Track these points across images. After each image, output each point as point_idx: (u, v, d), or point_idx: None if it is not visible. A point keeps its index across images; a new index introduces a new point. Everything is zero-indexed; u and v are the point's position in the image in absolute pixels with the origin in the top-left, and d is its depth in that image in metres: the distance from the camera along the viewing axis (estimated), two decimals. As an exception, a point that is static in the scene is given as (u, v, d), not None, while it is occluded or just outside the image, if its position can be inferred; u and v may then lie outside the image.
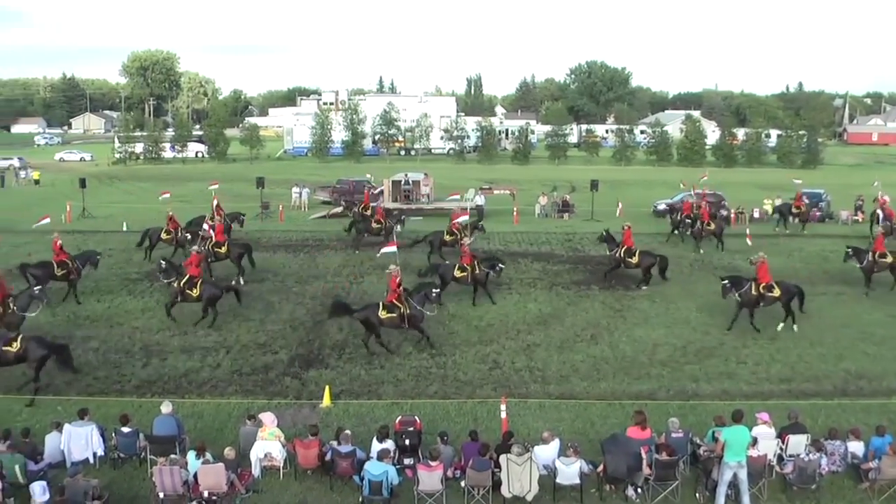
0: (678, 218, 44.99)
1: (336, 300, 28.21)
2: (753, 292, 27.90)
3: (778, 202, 54.23)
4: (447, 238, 38.63)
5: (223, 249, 36.37)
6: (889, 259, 33.20)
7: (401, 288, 26.01)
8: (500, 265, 32.23)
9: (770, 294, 27.83)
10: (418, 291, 26.64)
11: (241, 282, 33.80)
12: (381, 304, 25.88)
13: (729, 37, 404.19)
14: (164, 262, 30.75)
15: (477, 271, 31.29)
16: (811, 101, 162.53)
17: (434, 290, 27.03)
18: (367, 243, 41.37)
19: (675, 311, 29.65)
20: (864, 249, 34.09)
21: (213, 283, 30.09)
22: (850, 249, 34.33)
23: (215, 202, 44.68)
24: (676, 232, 44.24)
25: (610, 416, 20.58)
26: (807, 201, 50.51)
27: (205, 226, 38.51)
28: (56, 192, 66.63)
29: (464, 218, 38.55)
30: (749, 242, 41.63)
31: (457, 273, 31.48)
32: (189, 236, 39.13)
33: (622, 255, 34.38)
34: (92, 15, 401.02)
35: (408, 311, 25.55)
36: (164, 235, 39.76)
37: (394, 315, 25.51)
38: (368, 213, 45.90)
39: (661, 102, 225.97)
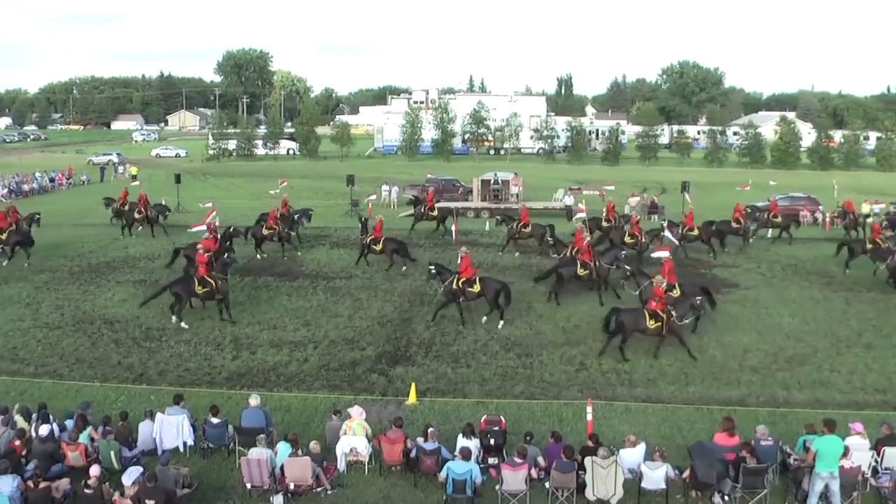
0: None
1: None
2: (454, 286, 28.05)
3: (877, 207, 52.82)
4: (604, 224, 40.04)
5: (4, 237, 37.98)
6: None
7: None
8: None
9: (470, 289, 27.96)
10: None
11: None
12: None
13: (826, 36, 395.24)
14: None
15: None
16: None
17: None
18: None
19: (767, 317, 29.04)
20: (564, 244, 35.86)
21: None
22: (550, 240, 36.89)
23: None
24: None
25: (697, 422, 20.28)
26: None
27: None
28: (152, 186, 68.18)
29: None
30: None
31: None
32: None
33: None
34: (188, 16, 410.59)
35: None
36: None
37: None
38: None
39: (755, 103, 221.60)
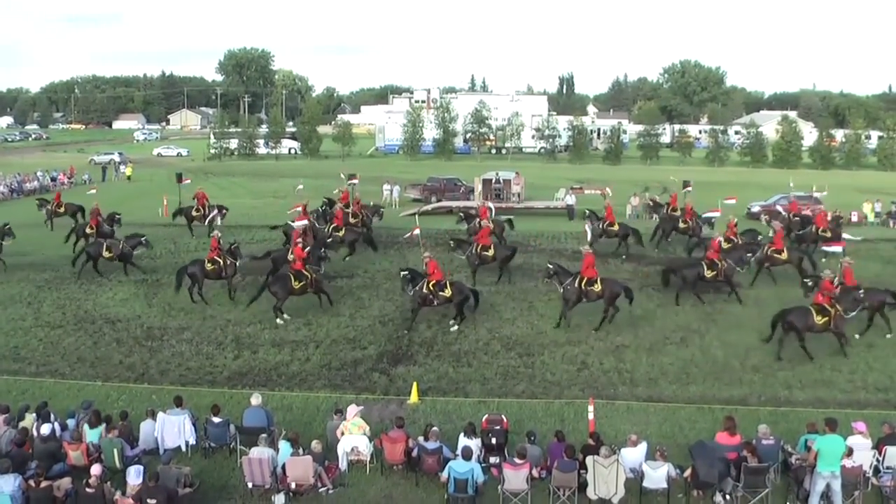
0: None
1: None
2: (424, 290, 27.73)
3: (878, 206, 52.81)
4: (682, 226, 39.18)
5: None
6: (491, 252, 34.52)
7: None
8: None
9: (591, 288, 27.77)
10: None
11: None
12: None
13: (827, 35, 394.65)
14: None
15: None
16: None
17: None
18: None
19: (769, 316, 28.91)
20: (467, 241, 36.10)
21: None
22: (452, 242, 36.44)
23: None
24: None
25: (699, 421, 20.27)
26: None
27: None
28: (154, 186, 68.33)
29: None
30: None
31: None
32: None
33: None
34: (189, 15, 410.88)
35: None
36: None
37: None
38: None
39: (757, 103, 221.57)
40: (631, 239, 40.44)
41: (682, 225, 42.24)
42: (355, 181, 51.51)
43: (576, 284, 27.97)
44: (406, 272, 28.83)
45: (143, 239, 37.10)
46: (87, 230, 40.49)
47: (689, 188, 50.21)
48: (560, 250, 40.23)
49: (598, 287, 27.75)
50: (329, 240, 38.24)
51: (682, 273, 31.76)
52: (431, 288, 27.67)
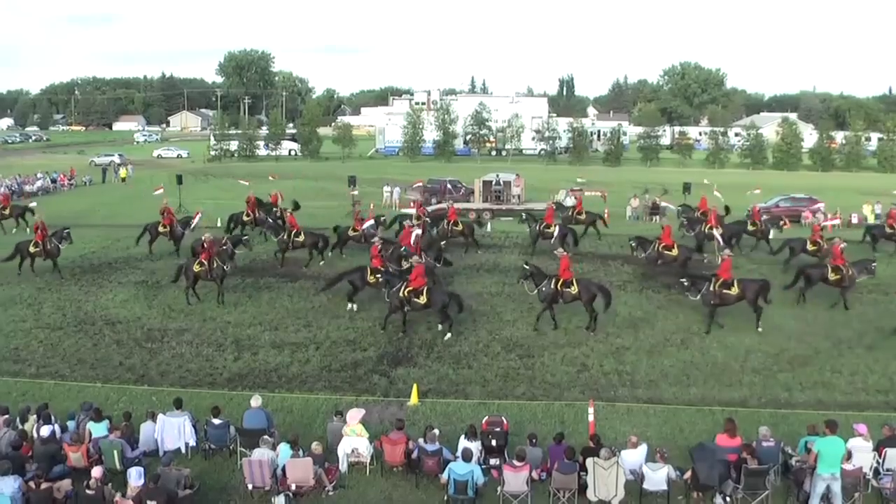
0: None
1: None
2: (400, 294, 27.60)
3: (878, 208, 52.76)
4: (810, 248, 37.89)
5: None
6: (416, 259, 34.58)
7: None
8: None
9: (567, 290, 27.86)
10: None
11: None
12: None
13: (827, 37, 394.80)
14: None
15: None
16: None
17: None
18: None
19: (769, 318, 28.93)
20: (390, 241, 36.92)
21: None
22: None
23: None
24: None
25: (699, 423, 20.27)
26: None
27: None
28: (153, 188, 68.23)
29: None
30: None
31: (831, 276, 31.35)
32: None
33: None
34: (189, 16, 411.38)
35: None
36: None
37: None
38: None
39: (757, 104, 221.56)
40: (569, 238, 40.75)
41: (750, 227, 42.40)
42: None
43: (552, 286, 28.02)
44: (380, 276, 29.23)
45: (244, 239, 37.35)
46: (160, 229, 40.54)
47: (758, 190, 49.93)
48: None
49: (573, 289, 27.81)
50: (289, 248, 38.41)
51: (806, 271, 32.03)
52: (407, 294, 27.54)
